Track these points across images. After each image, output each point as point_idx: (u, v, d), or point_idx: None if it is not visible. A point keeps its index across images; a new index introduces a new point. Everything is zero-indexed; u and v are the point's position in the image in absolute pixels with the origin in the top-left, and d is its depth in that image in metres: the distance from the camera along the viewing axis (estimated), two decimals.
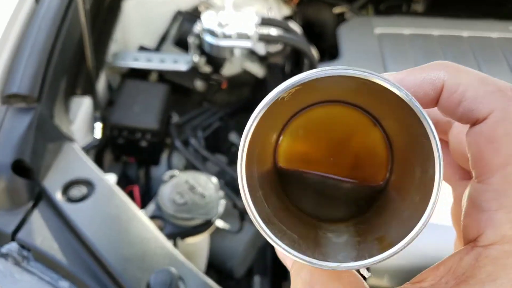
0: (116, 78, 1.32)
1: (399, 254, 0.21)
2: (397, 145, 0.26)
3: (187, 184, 0.74)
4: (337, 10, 1.60)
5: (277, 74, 1.40)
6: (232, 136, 1.54)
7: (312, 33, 1.56)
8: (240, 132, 1.57)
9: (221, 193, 0.79)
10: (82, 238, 0.61)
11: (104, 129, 1.10)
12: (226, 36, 1.02)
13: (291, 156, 0.28)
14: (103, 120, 1.11)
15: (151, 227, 0.64)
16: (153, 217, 0.71)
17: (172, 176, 0.76)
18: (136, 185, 1.00)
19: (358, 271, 0.24)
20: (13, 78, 0.73)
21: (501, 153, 0.21)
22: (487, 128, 0.21)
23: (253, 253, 1.13)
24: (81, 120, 1.03)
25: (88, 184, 0.70)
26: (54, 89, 0.81)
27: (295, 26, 1.09)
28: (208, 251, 0.89)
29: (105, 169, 1.27)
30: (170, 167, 1.12)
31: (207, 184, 0.76)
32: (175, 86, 1.29)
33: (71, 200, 0.67)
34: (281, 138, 0.28)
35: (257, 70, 1.57)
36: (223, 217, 1.02)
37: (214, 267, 1.12)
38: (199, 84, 1.46)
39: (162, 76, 1.30)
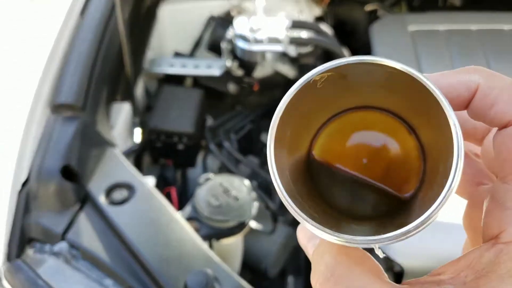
0: (153, 84, 1.38)
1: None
2: (431, 156, 0.27)
3: (222, 187, 0.77)
4: (369, 7, 1.58)
5: None
6: (264, 137, 1.57)
7: (344, 33, 1.55)
8: None
9: (254, 195, 0.81)
10: (124, 239, 0.65)
11: (142, 133, 1.15)
12: (257, 41, 1.04)
13: (326, 152, 0.29)
14: (142, 124, 1.16)
15: (188, 229, 0.68)
16: (189, 219, 0.75)
17: (207, 179, 0.80)
18: (173, 187, 1.04)
19: (373, 252, 0.25)
20: (60, 89, 0.79)
21: None
22: None
23: (287, 254, 1.15)
24: (121, 126, 1.09)
25: (129, 187, 0.74)
26: (96, 98, 0.86)
27: (326, 28, 1.10)
28: (242, 251, 0.92)
29: (144, 172, 1.32)
30: (205, 169, 1.16)
31: (240, 186, 0.78)
32: (209, 90, 1.33)
33: (113, 203, 0.71)
34: (318, 134, 0.29)
35: (289, 71, 1.58)
36: (256, 218, 1.04)
37: (249, 267, 1.15)
38: (231, 88, 1.49)
39: (197, 81, 1.34)
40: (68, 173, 0.71)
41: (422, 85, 0.22)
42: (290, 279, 1.26)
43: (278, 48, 1.04)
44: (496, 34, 1.26)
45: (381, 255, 0.24)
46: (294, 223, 1.21)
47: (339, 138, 0.29)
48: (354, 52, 1.49)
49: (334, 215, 0.28)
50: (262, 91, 1.65)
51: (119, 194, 0.72)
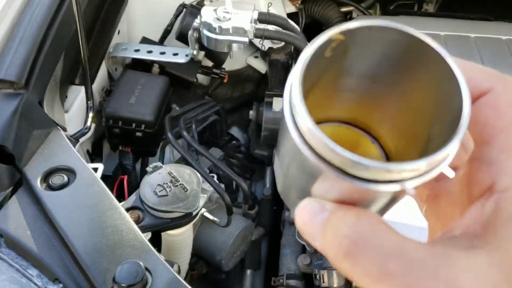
0: (118, 69, 1.33)
1: None
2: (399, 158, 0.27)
3: (170, 176, 0.74)
4: (344, 9, 1.57)
5: (278, 70, 1.38)
6: (234, 130, 1.54)
7: (317, 31, 1.54)
8: (242, 127, 1.57)
9: (206, 186, 0.79)
10: (56, 226, 0.61)
11: (101, 118, 1.11)
12: (222, 31, 1.01)
13: None
14: (100, 109, 1.11)
15: (127, 218, 0.64)
16: (132, 208, 0.71)
17: (155, 167, 0.76)
18: (125, 176, 1.00)
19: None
20: (1, 64, 0.74)
21: (505, 116, 0.24)
22: (490, 98, 0.24)
23: (244, 247, 1.13)
24: (77, 109, 1.04)
25: (70, 172, 0.70)
26: (45, 76, 0.82)
27: (293, 23, 1.08)
28: (192, 242, 0.89)
29: (104, 158, 1.28)
30: (162, 158, 1.12)
31: (191, 177, 0.75)
32: (177, 78, 1.29)
33: (50, 187, 0.67)
34: None
35: (261, 65, 1.56)
36: (213, 211, 1.02)
37: (204, 260, 1.12)
38: (201, 78, 1.45)
39: (164, 68, 1.30)
40: (2, 154, 0.67)
41: (432, 56, 0.23)
42: (249, 273, 1.24)
43: (243, 39, 1.01)
44: (462, 40, 1.28)
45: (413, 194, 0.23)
46: (251, 216, 1.20)
47: None
48: None
49: None
50: (234, 84, 1.62)
51: (57, 179, 0.68)
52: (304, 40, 1.05)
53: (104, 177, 1.12)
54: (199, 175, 0.76)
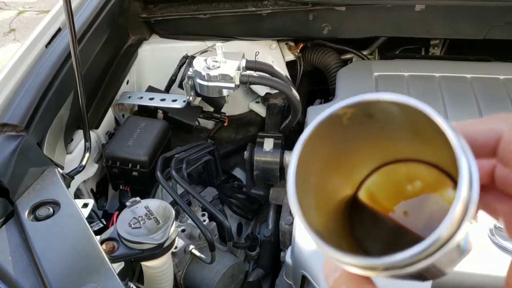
0: (126, 115, 1.46)
1: None
2: None
3: (146, 210, 0.81)
4: (344, 57, 1.63)
5: (275, 113, 1.46)
6: (237, 171, 1.60)
7: (319, 77, 1.61)
8: (244, 168, 1.63)
9: (174, 220, 0.83)
10: (33, 254, 0.68)
11: (102, 159, 1.21)
12: (211, 78, 1.11)
13: (370, 198, 0.30)
14: (103, 151, 1.22)
15: (97, 247, 0.71)
16: (109, 239, 0.78)
17: (134, 202, 0.83)
18: (116, 212, 1.07)
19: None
20: (7, 110, 0.86)
21: None
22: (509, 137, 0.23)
23: (232, 285, 1.15)
24: (79, 151, 1.15)
25: (55, 204, 0.78)
26: (46, 121, 0.93)
27: (279, 69, 1.16)
28: (173, 277, 0.93)
29: (110, 198, 1.37)
30: (159, 197, 1.20)
31: (165, 211, 0.81)
32: (179, 123, 1.39)
33: (36, 219, 0.75)
34: (364, 181, 0.30)
35: (262, 110, 1.65)
36: (203, 249, 1.06)
37: None
38: (205, 122, 1.55)
39: (167, 113, 1.41)
40: None
41: (428, 118, 0.23)
42: None
43: (230, 85, 1.10)
44: (457, 81, 1.28)
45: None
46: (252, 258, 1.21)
47: (382, 188, 0.30)
48: (326, 96, 1.54)
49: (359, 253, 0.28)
50: (237, 128, 1.72)
51: (43, 211, 0.76)
52: (287, 85, 1.12)
53: (107, 215, 1.22)
54: (172, 210, 0.82)
